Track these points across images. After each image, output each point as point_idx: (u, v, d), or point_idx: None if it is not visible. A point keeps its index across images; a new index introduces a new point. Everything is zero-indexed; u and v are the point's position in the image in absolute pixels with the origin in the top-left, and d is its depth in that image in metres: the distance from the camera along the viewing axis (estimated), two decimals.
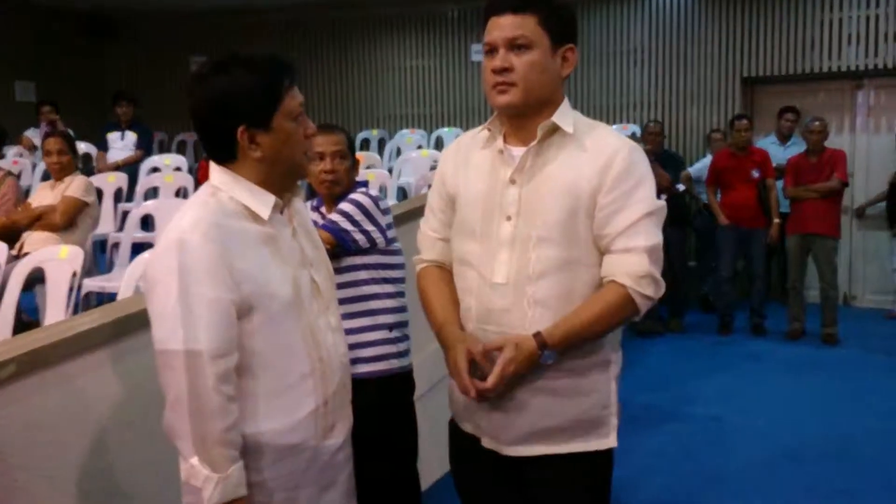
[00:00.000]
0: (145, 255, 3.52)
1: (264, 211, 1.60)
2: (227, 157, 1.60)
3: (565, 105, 1.79)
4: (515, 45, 1.70)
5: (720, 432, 4.37)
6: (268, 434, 1.58)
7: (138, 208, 5.23)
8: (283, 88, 1.59)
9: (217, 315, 1.49)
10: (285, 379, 1.60)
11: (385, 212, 2.56)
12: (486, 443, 1.86)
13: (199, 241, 1.49)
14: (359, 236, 2.47)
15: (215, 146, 1.61)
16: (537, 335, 1.70)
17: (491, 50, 1.74)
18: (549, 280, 1.73)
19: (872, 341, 6.21)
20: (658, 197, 1.79)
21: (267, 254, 1.59)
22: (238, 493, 1.51)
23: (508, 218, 1.77)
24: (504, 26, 1.71)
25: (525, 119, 1.76)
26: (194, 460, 1.48)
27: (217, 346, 1.48)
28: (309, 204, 2.71)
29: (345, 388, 1.75)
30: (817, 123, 5.98)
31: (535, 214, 1.74)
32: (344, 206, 2.50)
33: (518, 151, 1.78)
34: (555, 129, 1.76)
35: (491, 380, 1.69)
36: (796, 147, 6.66)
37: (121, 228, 5.28)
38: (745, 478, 3.77)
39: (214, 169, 1.63)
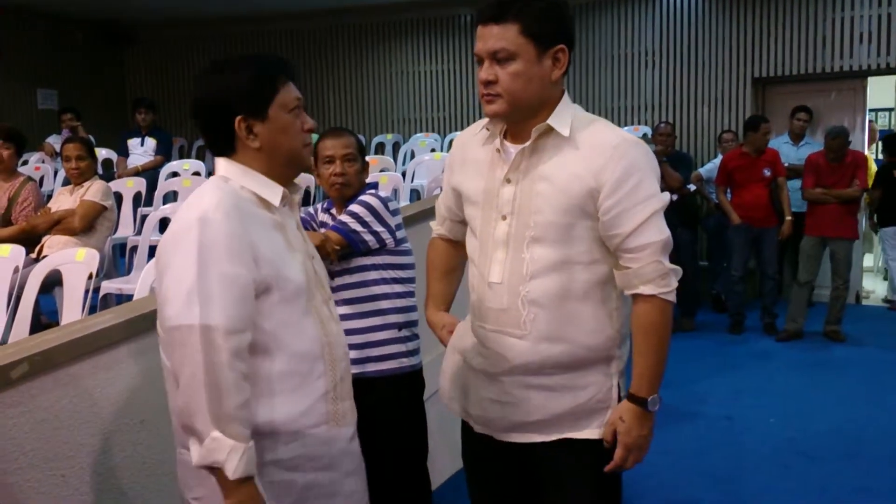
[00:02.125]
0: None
1: (275, 198, 1.64)
2: (228, 150, 1.65)
3: (563, 103, 1.76)
4: (497, 58, 1.69)
5: (732, 431, 4.37)
6: (283, 414, 1.59)
7: (156, 212, 5.31)
8: (277, 81, 1.64)
9: (235, 292, 1.50)
10: (299, 360, 1.62)
11: (394, 213, 2.59)
12: (478, 428, 1.90)
13: (222, 219, 1.52)
14: (368, 237, 2.51)
15: (216, 139, 1.66)
16: (631, 398, 1.75)
17: (479, 60, 1.73)
18: (542, 280, 1.74)
19: (884, 339, 6.18)
20: (670, 196, 1.80)
21: (280, 239, 1.63)
22: (251, 470, 1.49)
23: (504, 217, 1.77)
24: (487, 38, 1.69)
25: (521, 121, 1.76)
26: (216, 434, 1.45)
27: (233, 323, 1.48)
28: (320, 206, 2.76)
29: (348, 376, 1.77)
30: (837, 140, 5.87)
31: (529, 214, 1.73)
32: (353, 207, 2.54)
33: (515, 150, 1.78)
34: (549, 131, 1.74)
35: (618, 454, 1.76)
36: (809, 147, 6.64)
37: (139, 232, 5.36)
38: (757, 477, 3.76)
39: (220, 161, 1.67)
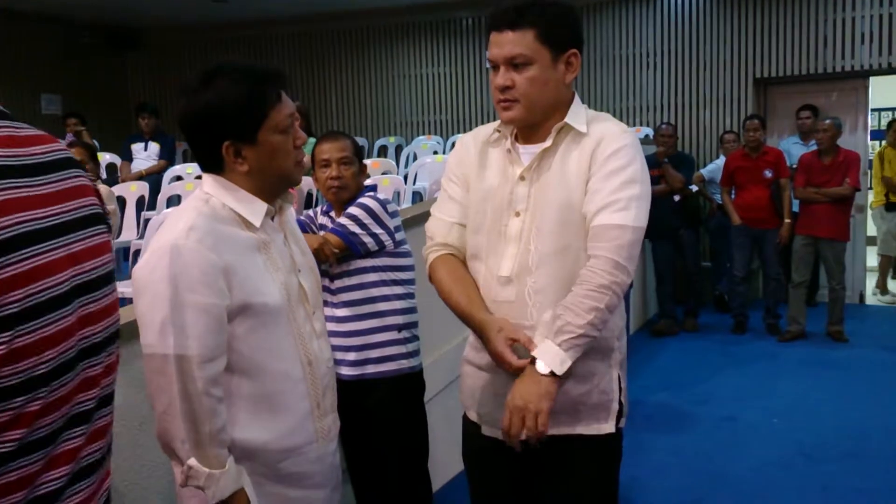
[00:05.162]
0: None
1: (256, 219, 1.61)
2: (216, 169, 1.62)
3: (576, 104, 1.81)
4: (514, 63, 1.72)
5: (735, 431, 4.37)
6: (270, 433, 1.60)
7: (159, 216, 5.33)
8: (268, 103, 1.58)
9: (208, 321, 1.50)
10: (279, 382, 1.62)
11: (393, 214, 2.60)
12: (486, 430, 1.90)
13: (194, 247, 1.50)
14: (367, 239, 2.53)
15: (203, 158, 1.64)
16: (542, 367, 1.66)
17: (494, 66, 1.76)
18: (546, 269, 1.76)
19: (888, 339, 6.18)
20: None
21: (259, 261, 1.60)
22: (239, 484, 1.55)
23: (517, 214, 1.80)
24: (503, 44, 1.73)
25: (534, 124, 1.80)
26: (192, 461, 1.51)
27: (207, 352, 1.50)
28: (320, 209, 2.77)
29: (332, 391, 1.78)
30: (827, 122, 5.91)
31: (541, 209, 1.77)
32: (352, 209, 2.55)
33: (526, 149, 1.82)
34: (567, 129, 1.78)
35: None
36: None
37: (143, 236, 5.38)
38: (760, 477, 3.76)
39: (206, 177, 1.64)
